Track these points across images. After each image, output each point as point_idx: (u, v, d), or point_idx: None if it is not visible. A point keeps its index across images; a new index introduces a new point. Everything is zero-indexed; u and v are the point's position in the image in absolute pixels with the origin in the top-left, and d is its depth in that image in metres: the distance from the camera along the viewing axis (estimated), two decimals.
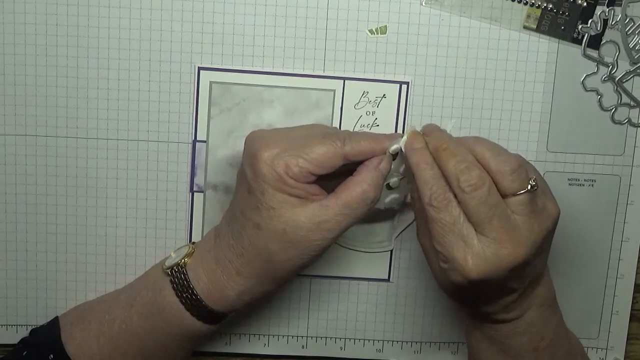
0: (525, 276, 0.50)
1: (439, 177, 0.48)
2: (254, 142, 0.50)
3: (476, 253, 0.47)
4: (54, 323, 0.57)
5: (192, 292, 0.51)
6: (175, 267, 0.53)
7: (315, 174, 0.49)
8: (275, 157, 0.48)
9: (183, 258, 0.53)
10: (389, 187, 0.52)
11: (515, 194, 0.48)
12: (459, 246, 0.47)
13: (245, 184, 0.50)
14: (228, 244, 0.51)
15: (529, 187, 0.48)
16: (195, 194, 0.59)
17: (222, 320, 0.53)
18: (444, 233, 0.47)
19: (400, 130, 0.58)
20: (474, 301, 0.51)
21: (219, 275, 0.51)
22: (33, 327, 0.59)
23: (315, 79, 0.57)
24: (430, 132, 0.51)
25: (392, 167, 0.51)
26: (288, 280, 0.52)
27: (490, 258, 0.47)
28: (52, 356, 0.54)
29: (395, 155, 0.51)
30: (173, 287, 0.52)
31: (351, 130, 0.58)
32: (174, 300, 0.52)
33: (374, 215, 0.60)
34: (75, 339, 0.54)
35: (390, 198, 0.54)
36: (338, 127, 0.58)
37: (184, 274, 0.52)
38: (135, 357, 0.54)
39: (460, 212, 0.47)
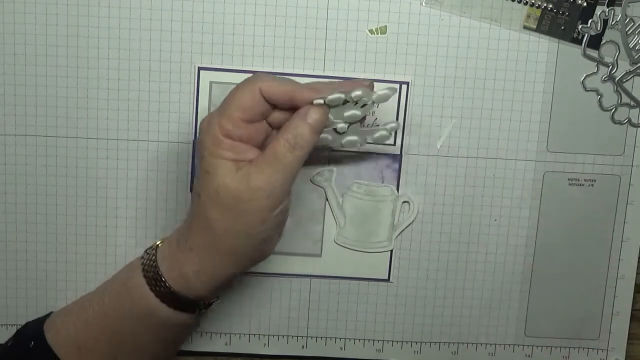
0: None
1: None
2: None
3: None
4: (47, 315, 0.57)
5: (156, 271, 0.52)
6: (148, 249, 0.54)
7: (246, 120, 0.49)
8: (210, 122, 0.49)
9: (158, 241, 0.54)
10: (337, 132, 0.52)
11: None
12: None
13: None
14: (185, 221, 0.52)
15: None
16: None
17: (189, 307, 0.53)
18: None
19: (398, 121, 0.59)
20: None
21: (178, 254, 0.52)
22: None
23: (315, 79, 0.57)
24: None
25: (331, 116, 0.51)
26: (242, 260, 0.51)
27: None
28: (32, 343, 0.54)
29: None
30: (142, 268, 0.53)
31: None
32: (141, 280, 0.52)
33: (374, 214, 0.60)
34: (55, 325, 0.55)
35: (346, 140, 0.53)
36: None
37: (153, 255, 0.53)
38: (107, 343, 0.53)
39: None
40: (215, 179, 0.49)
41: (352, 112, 0.51)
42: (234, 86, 0.50)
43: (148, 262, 0.53)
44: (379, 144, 0.56)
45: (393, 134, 0.56)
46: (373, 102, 0.51)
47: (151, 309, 0.52)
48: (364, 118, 0.52)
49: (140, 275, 0.52)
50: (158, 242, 0.54)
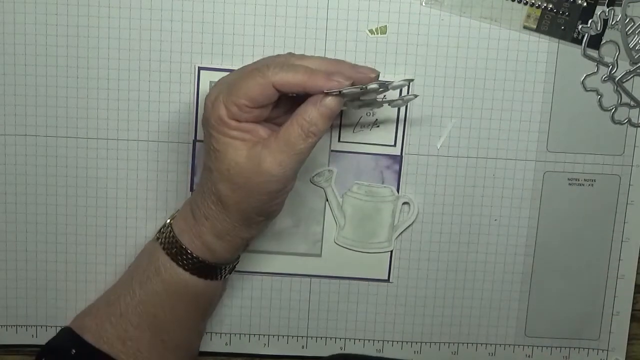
0: None
1: None
2: (209, 90, 0.51)
3: None
4: (64, 329, 0.57)
5: (179, 245, 0.53)
6: (162, 228, 0.55)
7: (253, 107, 0.49)
8: (215, 101, 0.49)
9: (169, 219, 0.55)
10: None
11: None
12: None
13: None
14: (197, 192, 0.53)
15: None
16: None
17: (217, 273, 0.54)
18: None
19: (399, 129, 0.59)
20: None
21: (195, 224, 0.53)
22: (32, 327, 0.60)
23: None
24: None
25: (345, 98, 0.51)
26: (254, 226, 0.53)
27: None
28: (74, 351, 0.54)
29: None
30: (163, 247, 0.53)
31: (353, 129, 0.58)
32: (165, 258, 0.53)
33: (374, 214, 0.60)
34: (89, 328, 0.55)
35: (360, 108, 0.56)
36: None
37: (170, 231, 0.54)
38: (150, 327, 0.54)
39: None
40: (226, 157, 0.49)
41: (368, 95, 0.52)
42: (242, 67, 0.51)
43: (167, 239, 0.54)
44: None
45: (408, 103, 0.58)
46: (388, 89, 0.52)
47: (182, 283, 0.53)
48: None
49: (163, 254, 0.53)
50: (169, 220, 0.55)
